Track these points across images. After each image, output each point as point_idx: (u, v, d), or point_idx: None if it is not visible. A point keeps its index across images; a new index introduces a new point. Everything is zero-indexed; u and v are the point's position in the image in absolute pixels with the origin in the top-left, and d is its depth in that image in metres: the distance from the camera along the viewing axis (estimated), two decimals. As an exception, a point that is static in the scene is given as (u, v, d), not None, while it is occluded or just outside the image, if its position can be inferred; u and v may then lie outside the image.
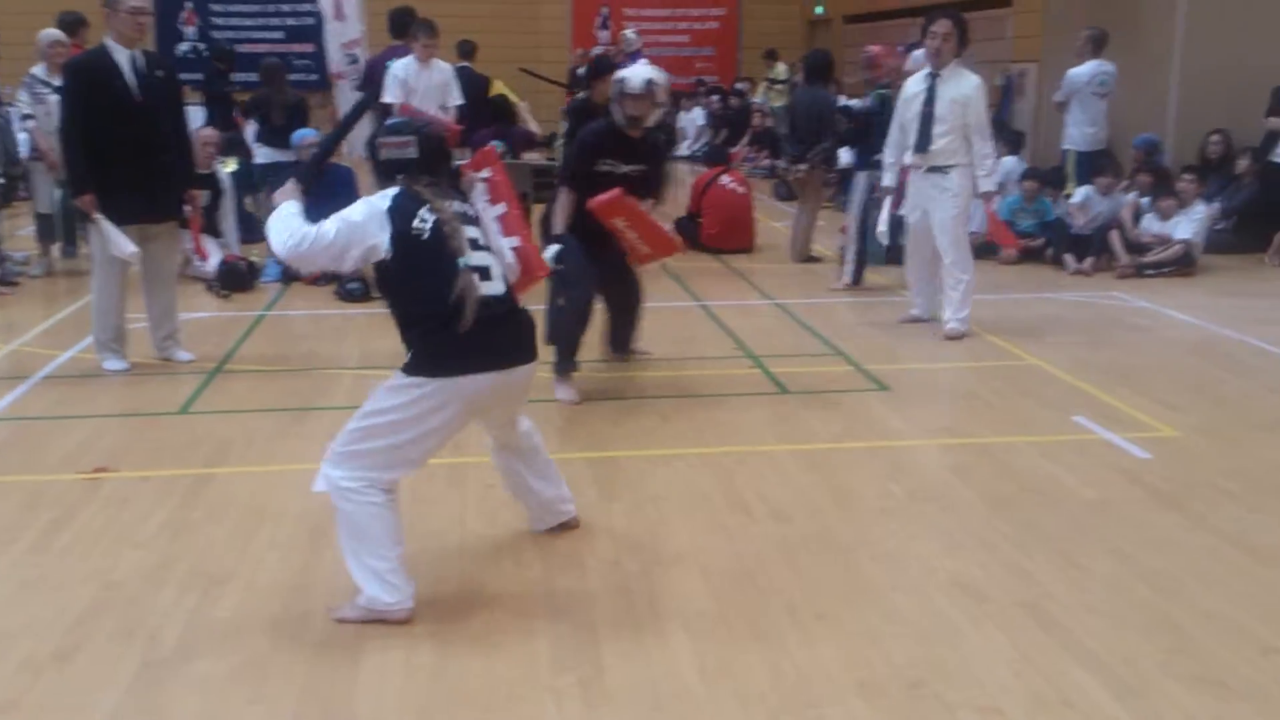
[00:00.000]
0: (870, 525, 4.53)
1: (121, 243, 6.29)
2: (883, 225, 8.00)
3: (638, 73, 6.12)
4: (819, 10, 22.35)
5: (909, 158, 7.56)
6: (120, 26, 6.28)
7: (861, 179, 9.13)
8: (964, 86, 7.30)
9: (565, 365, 6.22)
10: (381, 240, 3.60)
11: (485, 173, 4.54)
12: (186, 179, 6.78)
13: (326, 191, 9.27)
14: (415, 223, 3.61)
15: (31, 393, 6.27)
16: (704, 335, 7.69)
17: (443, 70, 9.85)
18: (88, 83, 6.27)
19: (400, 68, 9.67)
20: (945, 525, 4.52)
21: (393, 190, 3.70)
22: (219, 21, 22.12)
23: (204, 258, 8.71)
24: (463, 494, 4.82)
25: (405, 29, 10.22)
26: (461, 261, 3.61)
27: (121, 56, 6.27)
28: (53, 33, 9.63)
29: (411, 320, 3.70)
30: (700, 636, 3.61)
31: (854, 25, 20.45)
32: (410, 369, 3.63)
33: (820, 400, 6.17)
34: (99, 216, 6.30)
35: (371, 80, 10.23)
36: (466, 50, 12.56)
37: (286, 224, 3.68)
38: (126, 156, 6.28)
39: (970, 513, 4.64)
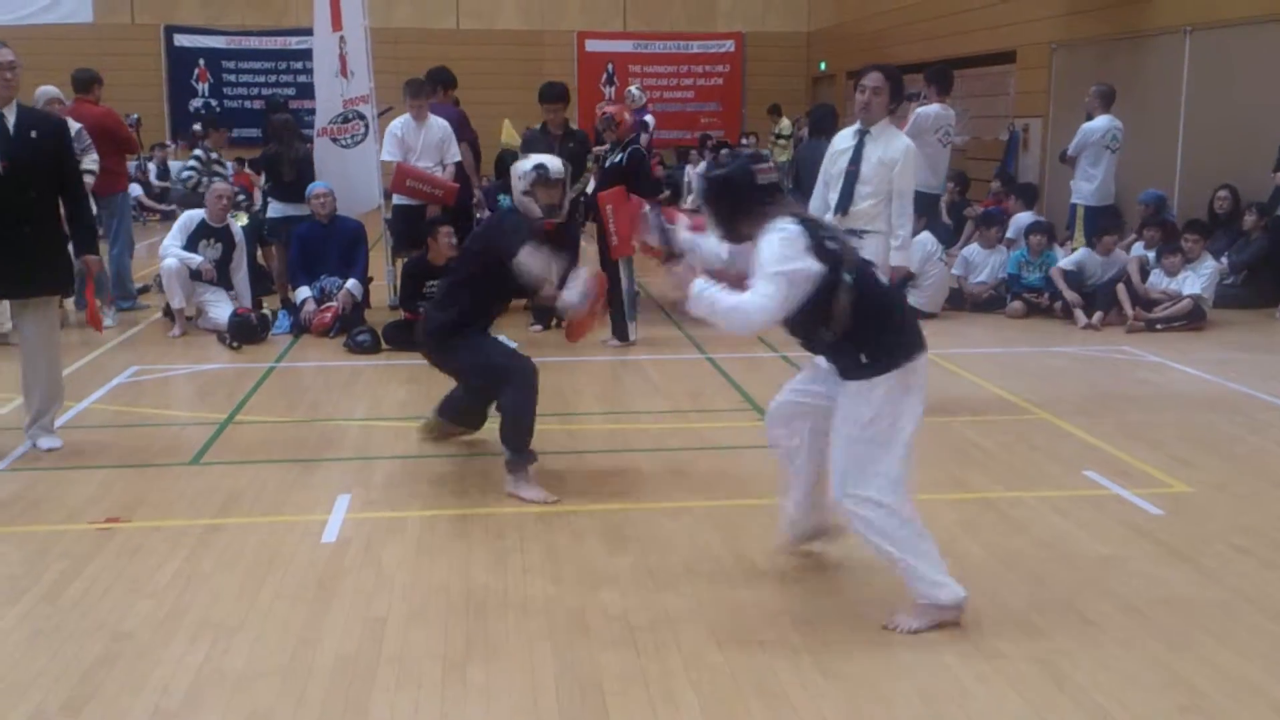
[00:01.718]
0: (877, 580, 4.50)
1: None
2: None
3: (556, 161, 5.68)
4: (822, 66, 22.60)
5: (828, 218, 6.71)
6: None
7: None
8: (893, 149, 6.45)
9: (528, 457, 5.51)
10: (814, 267, 3.85)
11: None
12: (81, 245, 6.16)
13: (337, 244, 9.45)
14: (828, 244, 3.92)
15: (42, 443, 6.28)
16: (711, 389, 7.70)
17: (440, 127, 9.81)
18: None
19: (397, 126, 9.76)
20: (954, 580, 4.49)
21: (788, 224, 3.92)
22: (230, 78, 22.40)
23: (98, 329, 7.11)
24: (469, 545, 4.82)
25: (449, 85, 10.43)
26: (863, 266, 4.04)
27: None
28: (49, 90, 9.69)
29: (861, 328, 3.94)
30: (708, 696, 3.59)
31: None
32: (869, 370, 3.95)
33: (829, 454, 6.15)
34: None
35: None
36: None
37: (739, 312, 3.95)
38: None
39: (979, 568, 4.61)
